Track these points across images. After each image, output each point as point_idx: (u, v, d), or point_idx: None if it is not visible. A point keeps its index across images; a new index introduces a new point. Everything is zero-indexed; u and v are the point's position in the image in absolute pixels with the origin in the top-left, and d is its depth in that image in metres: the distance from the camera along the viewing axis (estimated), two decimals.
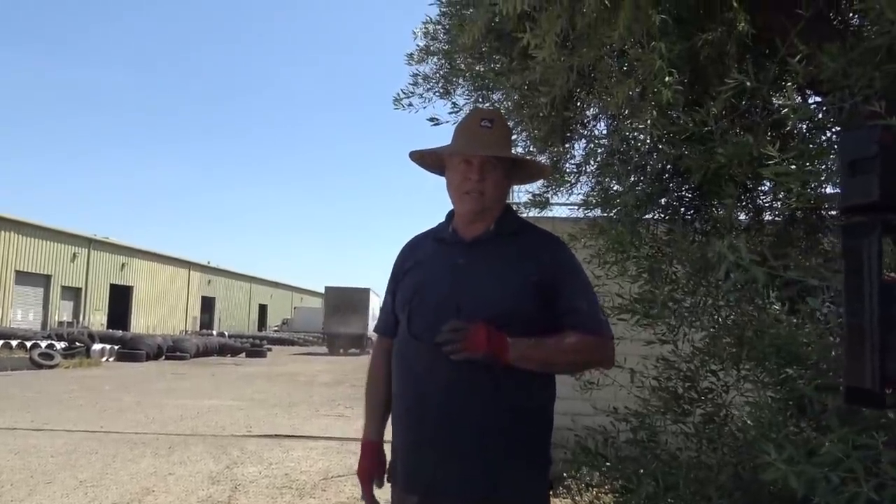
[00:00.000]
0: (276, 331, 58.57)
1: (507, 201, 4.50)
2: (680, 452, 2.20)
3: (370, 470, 2.09)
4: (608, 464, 2.30)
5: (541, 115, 2.64)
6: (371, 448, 2.12)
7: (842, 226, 1.62)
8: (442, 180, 2.10)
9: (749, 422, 1.95)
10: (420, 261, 2.07)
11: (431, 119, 3.11)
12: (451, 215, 2.10)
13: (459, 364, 1.84)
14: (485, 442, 1.86)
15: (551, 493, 1.98)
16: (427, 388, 1.92)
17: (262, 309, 66.17)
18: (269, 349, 33.58)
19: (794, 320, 1.81)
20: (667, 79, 1.87)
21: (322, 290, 38.96)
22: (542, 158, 3.19)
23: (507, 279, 1.92)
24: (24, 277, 33.29)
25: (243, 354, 30.48)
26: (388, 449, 2.10)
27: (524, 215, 4.64)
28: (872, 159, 0.85)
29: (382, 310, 2.20)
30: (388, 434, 2.09)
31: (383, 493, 2.10)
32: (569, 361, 1.96)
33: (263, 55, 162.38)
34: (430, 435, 1.91)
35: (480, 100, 3.18)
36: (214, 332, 42.31)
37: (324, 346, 38.03)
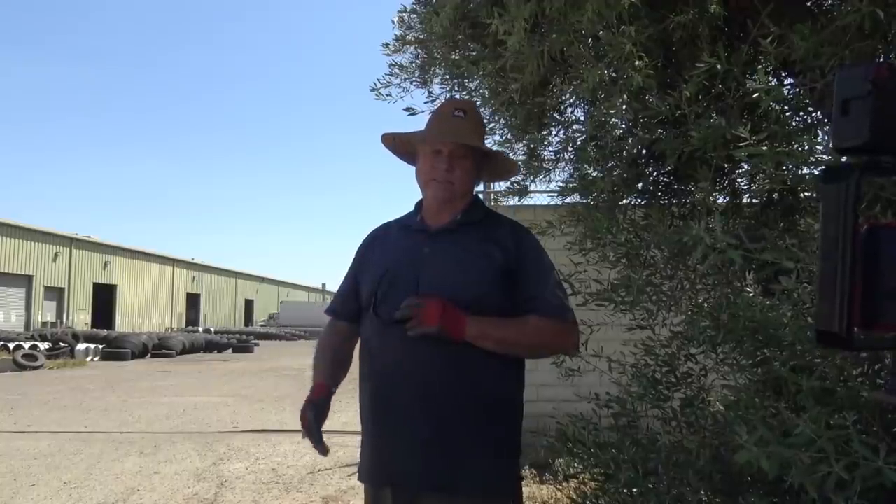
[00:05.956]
0: (262, 326, 58.39)
1: (488, 190, 4.45)
2: (660, 437, 2.20)
3: (311, 404, 1.99)
4: (590, 451, 2.30)
5: (516, 101, 2.63)
6: (319, 387, 2.02)
7: (822, 167, 1.62)
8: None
9: (721, 406, 1.96)
10: (386, 248, 2.06)
11: (408, 109, 3.09)
12: (419, 205, 2.09)
13: (425, 355, 1.84)
14: (449, 433, 1.86)
15: (537, 479, 1.98)
16: (393, 379, 1.91)
17: (248, 304, 65.93)
18: (257, 344, 33.44)
19: (768, 302, 1.82)
20: (637, 63, 1.86)
21: (309, 284, 39.47)
22: (520, 146, 3.18)
23: (472, 267, 1.92)
24: (5, 278, 32.93)
25: (230, 350, 30.29)
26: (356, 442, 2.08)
27: (504, 204, 4.65)
28: (865, 97, 0.82)
29: (339, 294, 2.18)
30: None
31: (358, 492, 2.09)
32: (528, 343, 1.94)
33: (242, 51, 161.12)
34: (394, 426, 1.91)
35: (457, 88, 3.16)
36: (200, 329, 42.05)
37: (312, 339, 39.34)
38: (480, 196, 2.24)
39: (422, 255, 1.96)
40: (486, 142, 2.14)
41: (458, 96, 3.06)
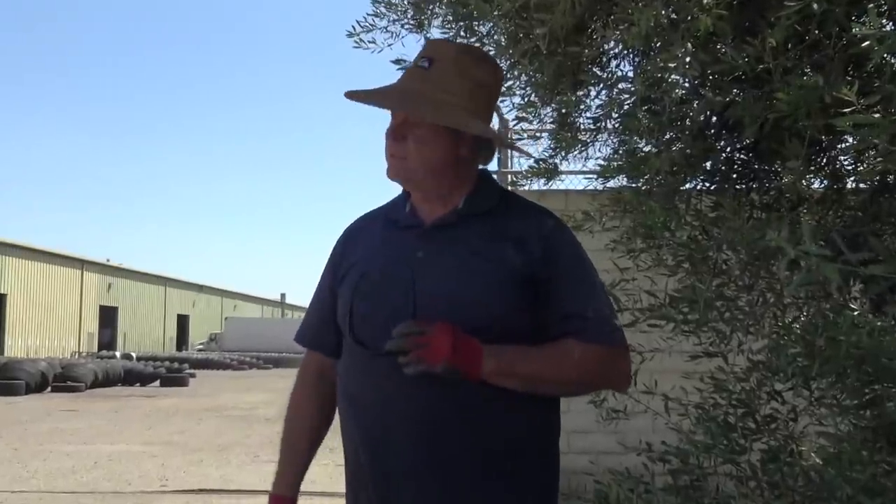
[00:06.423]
0: (200, 350, 58.55)
1: (504, 169, 4.47)
2: (734, 501, 2.21)
3: None
4: None
5: (543, 52, 2.63)
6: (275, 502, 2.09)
7: None
8: None
9: (818, 460, 1.96)
10: (367, 252, 2.03)
11: (396, 61, 3.09)
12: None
13: (426, 398, 1.81)
14: (470, 500, 1.84)
15: None
16: (382, 430, 1.88)
17: (182, 321, 66.11)
18: (192, 375, 33.53)
19: (880, 322, 1.81)
20: (705, 0, 1.85)
21: (263, 294, 39.97)
22: (547, 111, 3.18)
23: (482, 278, 1.87)
24: None
25: (157, 383, 30.42)
26: None
27: (524, 188, 4.66)
28: None
29: (312, 313, 2.16)
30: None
31: None
32: (566, 379, 1.91)
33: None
34: (392, 497, 1.87)
35: (463, 33, 3.16)
36: (118, 354, 42.22)
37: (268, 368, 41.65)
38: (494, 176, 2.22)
39: (413, 262, 1.93)
40: (484, 104, 2.02)
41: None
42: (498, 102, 2.35)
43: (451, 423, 1.84)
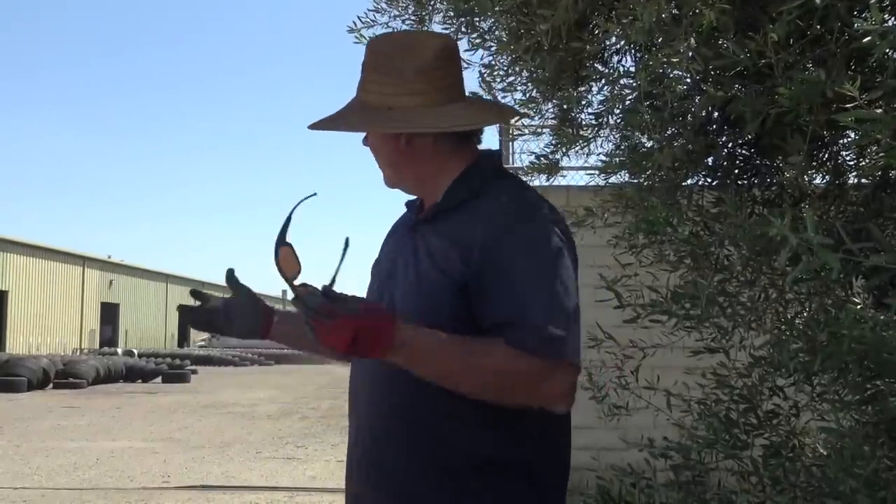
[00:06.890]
0: (201, 346, 58.55)
1: (506, 165, 4.47)
2: (736, 497, 2.21)
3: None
4: None
5: (544, 47, 2.63)
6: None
7: None
8: None
9: (822, 450, 1.97)
10: (386, 246, 2.08)
11: None
12: None
13: (380, 400, 1.82)
14: None
15: None
16: (355, 430, 1.93)
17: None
18: (194, 371, 33.60)
19: (882, 317, 1.82)
20: None
21: (264, 290, 40.39)
22: (549, 107, 3.18)
23: (428, 285, 1.80)
24: None
25: (158, 379, 30.48)
26: None
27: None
28: None
29: None
30: None
31: None
32: (481, 383, 1.71)
33: None
34: (357, 495, 1.90)
35: (464, 29, 3.16)
36: (120, 351, 42.26)
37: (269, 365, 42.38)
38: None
39: (395, 261, 1.95)
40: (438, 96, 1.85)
41: (464, 39, 3.05)
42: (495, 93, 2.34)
43: (398, 434, 1.79)
